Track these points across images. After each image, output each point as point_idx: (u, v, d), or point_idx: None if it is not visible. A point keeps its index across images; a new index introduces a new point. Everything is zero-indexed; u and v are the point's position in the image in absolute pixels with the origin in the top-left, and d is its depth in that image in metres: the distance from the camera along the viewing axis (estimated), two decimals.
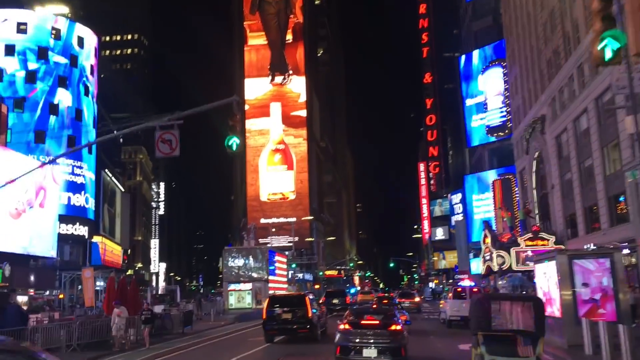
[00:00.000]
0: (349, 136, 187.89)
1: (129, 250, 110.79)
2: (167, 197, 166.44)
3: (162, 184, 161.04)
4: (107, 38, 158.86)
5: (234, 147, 14.93)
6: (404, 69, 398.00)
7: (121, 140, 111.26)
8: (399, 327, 14.33)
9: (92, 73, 73.52)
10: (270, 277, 43.42)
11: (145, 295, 57.58)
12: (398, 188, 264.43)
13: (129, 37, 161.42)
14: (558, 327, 16.27)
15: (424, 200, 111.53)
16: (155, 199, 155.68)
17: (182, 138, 15.37)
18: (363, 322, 14.72)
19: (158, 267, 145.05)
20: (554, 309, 16.60)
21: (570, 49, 36.84)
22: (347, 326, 14.44)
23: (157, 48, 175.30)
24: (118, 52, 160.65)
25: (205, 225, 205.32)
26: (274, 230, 71.16)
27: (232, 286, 41.98)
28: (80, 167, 68.59)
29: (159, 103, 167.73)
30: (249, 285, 41.75)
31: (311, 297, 23.99)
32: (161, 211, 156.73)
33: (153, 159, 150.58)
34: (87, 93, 70.68)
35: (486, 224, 46.32)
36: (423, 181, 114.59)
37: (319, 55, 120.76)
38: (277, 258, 47.17)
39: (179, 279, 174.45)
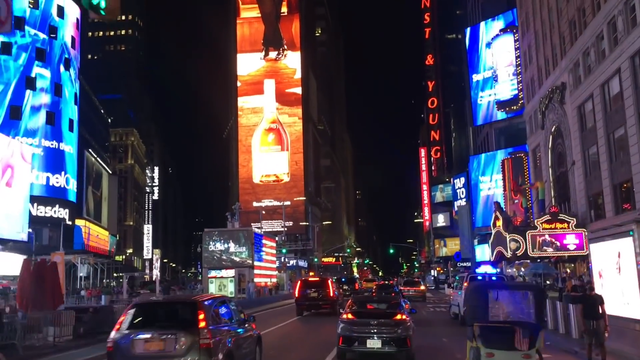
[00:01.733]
0: (349, 121, 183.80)
1: (118, 236, 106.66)
2: (162, 182, 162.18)
3: (156, 168, 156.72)
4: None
5: (103, 4, 9.08)
6: (406, 53, 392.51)
7: (110, 120, 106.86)
8: (404, 317, 13.42)
9: (73, 46, 68.82)
10: (257, 263, 38.91)
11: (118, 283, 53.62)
12: (399, 175, 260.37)
13: (123, 17, 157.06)
14: (634, 332, 11.64)
15: (425, 187, 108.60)
16: (149, 184, 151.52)
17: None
18: (367, 311, 14.09)
19: (151, 253, 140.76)
20: (628, 306, 12.02)
21: (599, 3, 32.13)
22: (350, 316, 13.62)
23: (151, 27, 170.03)
24: (111, 33, 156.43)
25: (205, 212, 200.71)
26: (264, 212, 66.59)
27: (213, 273, 37.53)
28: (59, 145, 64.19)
29: (154, 84, 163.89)
30: (231, 272, 37.27)
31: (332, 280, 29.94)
32: (155, 196, 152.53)
33: (146, 142, 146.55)
34: (67, 67, 66.21)
35: (497, 205, 41.79)
36: (424, 167, 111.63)
37: (317, 35, 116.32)
38: (264, 242, 42.63)
39: (174, 265, 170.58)
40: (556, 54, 40.12)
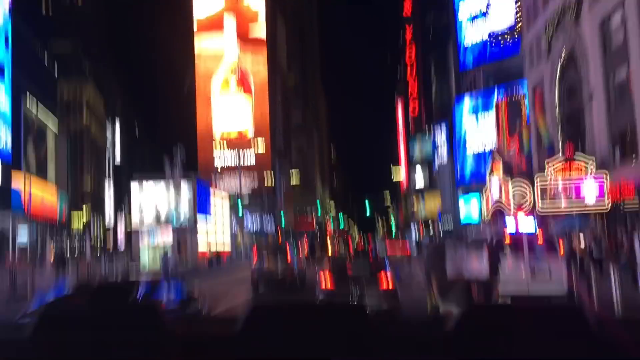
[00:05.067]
0: (324, 76, 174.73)
1: (70, 198, 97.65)
2: (127, 144, 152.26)
3: (117, 129, 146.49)
4: None
5: None
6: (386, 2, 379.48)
7: (57, 73, 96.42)
8: (391, 285, 12.32)
9: None
10: (202, 225, 31.21)
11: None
12: (376, 130, 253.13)
13: None
14: None
15: (402, 140, 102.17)
16: (110, 146, 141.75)
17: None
18: (348, 279, 12.52)
19: (113, 221, 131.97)
20: None
21: None
22: (329, 285, 12.51)
23: None
24: None
25: None
26: (219, 171, 58.57)
27: (146, 240, 29.76)
28: None
29: (113, 35, 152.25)
30: (168, 237, 29.39)
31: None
32: (118, 158, 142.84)
33: (109, 101, 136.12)
34: None
35: (495, 150, 34.86)
36: (400, 119, 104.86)
37: None
38: (214, 199, 34.84)
39: None
40: None
